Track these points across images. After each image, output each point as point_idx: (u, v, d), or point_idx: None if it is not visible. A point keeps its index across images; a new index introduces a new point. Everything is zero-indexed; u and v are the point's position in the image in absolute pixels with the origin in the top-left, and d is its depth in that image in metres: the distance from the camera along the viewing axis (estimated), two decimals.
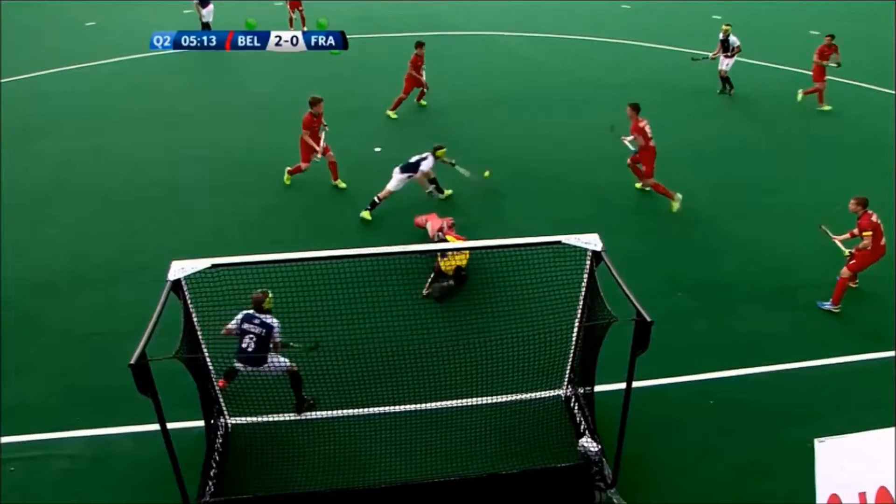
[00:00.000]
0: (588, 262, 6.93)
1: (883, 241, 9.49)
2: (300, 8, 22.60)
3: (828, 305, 9.77)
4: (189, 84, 18.79)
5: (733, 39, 17.78)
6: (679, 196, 12.26)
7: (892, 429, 4.84)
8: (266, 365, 7.50)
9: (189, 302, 6.61)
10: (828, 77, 16.92)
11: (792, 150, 14.79)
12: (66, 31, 23.63)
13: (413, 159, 12.11)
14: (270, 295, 7.54)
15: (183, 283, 6.42)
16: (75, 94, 17.91)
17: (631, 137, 12.39)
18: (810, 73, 17.18)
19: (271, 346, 7.47)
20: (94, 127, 15.79)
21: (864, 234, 9.31)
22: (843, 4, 26.03)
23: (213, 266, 6.43)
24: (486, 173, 12.69)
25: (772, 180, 13.47)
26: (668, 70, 19.68)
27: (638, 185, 12.95)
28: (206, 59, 20.62)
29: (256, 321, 7.43)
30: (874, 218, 9.38)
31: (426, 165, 12.04)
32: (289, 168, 13.00)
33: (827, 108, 16.89)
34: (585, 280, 7.08)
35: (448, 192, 12.73)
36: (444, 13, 25.76)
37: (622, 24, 24.67)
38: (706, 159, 14.42)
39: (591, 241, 6.75)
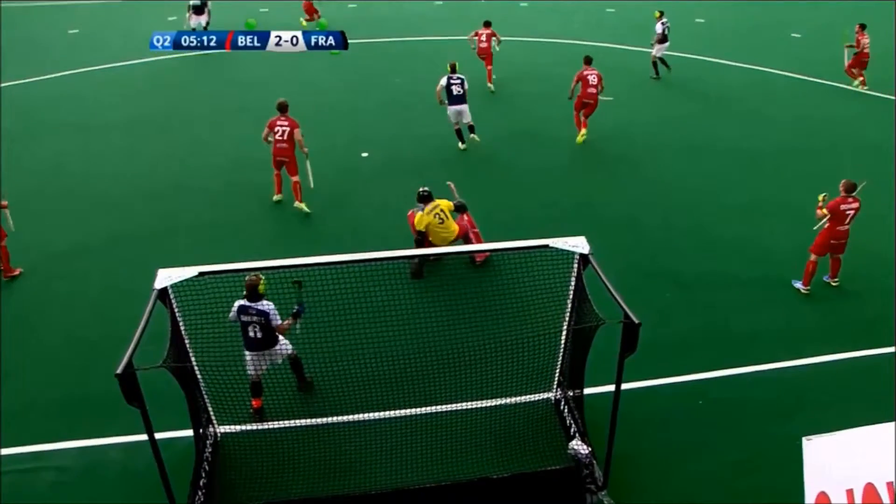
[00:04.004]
0: (576, 265, 6.96)
1: (841, 229, 9.70)
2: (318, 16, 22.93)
3: (798, 284, 10.15)
4: (180, 89, 18.73)
5: (657, 26, 18.94)
6: (584, 132, 14.88)
7: (879, 425, 4.89)
8: (277, 346, 7.65)
9: (176, 310, 6.57)
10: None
11: (779, 148, 14.91)
12: (49, 38, 23.44)
13: (456, 90, 14.11)
14: (263, 279, 7.46)
15: (170, 291, 6.38)
16: (63, 100, 17.82)
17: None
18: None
19: (275, 327, 7.54)
20: (84, 132, 15.74)
21: (824, 210, 9.65)
22: (831, 7, 26.41)
23: (201, 274, 6.40)
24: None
25: (758, 178, 13.60)
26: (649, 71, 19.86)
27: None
28: (197, 64, 20.63)
29: (252, 311, 7.43)
30: (843, 205, 9.59)
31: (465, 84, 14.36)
32: (296, 199, 12.27)
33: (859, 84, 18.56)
34: (573, 283, 7.10)
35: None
36: (436, 18, 25.90)
37: (609, 26, 24.81)
38: (694, 156, 14.60)
39: (579, 245, 6.77)
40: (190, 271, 6.34)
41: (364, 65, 20.12)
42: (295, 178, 12.20)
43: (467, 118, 14.42)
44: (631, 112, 16.66)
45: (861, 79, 18.61)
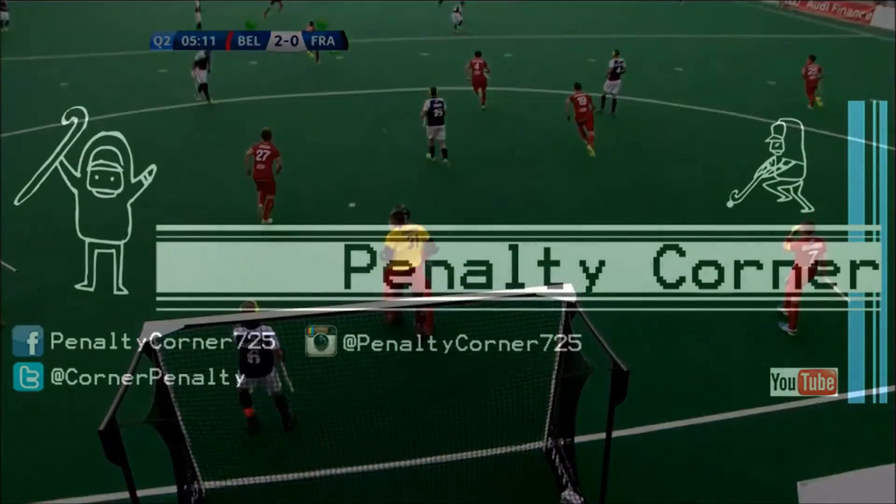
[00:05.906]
0: (563, 313, 6.94)
1: (809, 268, 9.80)
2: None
3: (784, 327, 10.29)
4: (170, 142, 18.81)
5: (610, 62, 20.34)
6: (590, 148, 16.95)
7: (875, 468, 4.88)
8: (272, 374, 7.85)
9: (162, 364, 6.48)
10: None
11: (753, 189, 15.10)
12: (40, 91, 23.56)
13: (437, 113, 15.84)
14: (257, 306, 7.60)
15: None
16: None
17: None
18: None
19: (274, 350, 7.72)
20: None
21: (788, 247, 9.82)
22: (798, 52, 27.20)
23: (187, 327, 6.35)
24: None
25: (737, 211, 13.73)
26: (638, 123, 20.27)
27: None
28: (188, 117, 20.81)
29: (252, 337, 7.60)
30: (805, 247, 9.70)
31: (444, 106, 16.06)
32: (264, 216, 13.28)
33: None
34: (561, 330, 7.08)
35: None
36: (424, 61, 26.41)
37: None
38: (672, 202, 14.76)
39: (566, 293, 6.78)
40: (176, 324, 6.28)
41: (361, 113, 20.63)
42: (270, 197, 13.37)
43: (442, 136, 16.21)
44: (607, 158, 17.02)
45: (812, 101, 20.66)
